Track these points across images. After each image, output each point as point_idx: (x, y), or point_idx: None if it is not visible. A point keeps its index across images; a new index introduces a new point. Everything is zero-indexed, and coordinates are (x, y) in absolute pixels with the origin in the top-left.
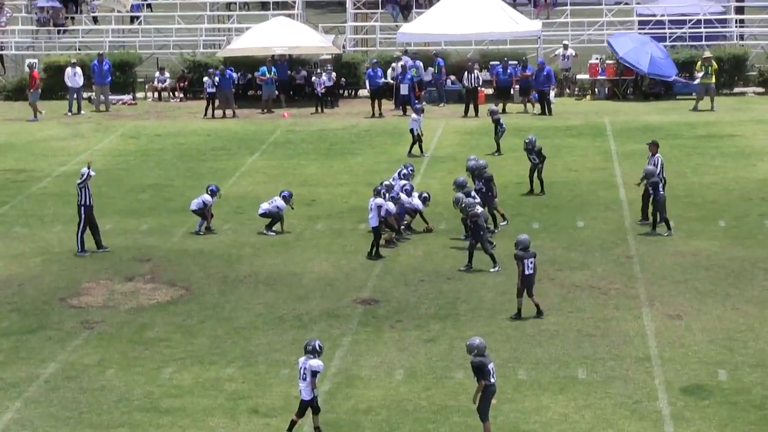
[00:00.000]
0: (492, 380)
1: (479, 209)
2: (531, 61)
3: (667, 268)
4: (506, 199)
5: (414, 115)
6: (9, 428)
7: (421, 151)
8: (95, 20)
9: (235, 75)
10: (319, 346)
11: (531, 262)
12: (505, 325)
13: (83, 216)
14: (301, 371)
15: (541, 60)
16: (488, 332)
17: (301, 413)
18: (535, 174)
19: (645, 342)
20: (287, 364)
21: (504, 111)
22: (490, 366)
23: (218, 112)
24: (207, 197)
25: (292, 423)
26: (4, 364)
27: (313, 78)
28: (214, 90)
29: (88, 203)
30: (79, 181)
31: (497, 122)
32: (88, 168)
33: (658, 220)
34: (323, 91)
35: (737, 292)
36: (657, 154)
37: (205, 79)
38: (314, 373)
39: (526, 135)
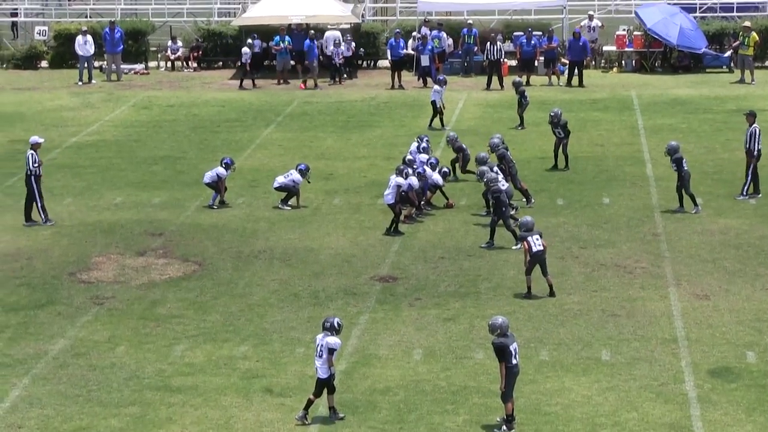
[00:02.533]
0: (514, 361)
1: (503, 185)
2: (556, 32)
3: (695, 247)
4: (530, 174)
5: (436, 87)
6: (16, 405)
7: (442, 124)
8: None
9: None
10: (338, 323)
11: (537, 239)
12: (527, 304)
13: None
14: (318, 348)
15: (578, 29)
16: (510, 311)
17: (318, 392)
18: (560, 149)
19: (671, 323)
20: (302, 342)
21: (528, 83)
22: (513, 347)
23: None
24: (221, 170)
25: (309, 402)
26: (12, 339)
27: (331, 48)
28: (249, 60)
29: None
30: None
31: (521, 95)
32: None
33: (685, 197)
34: (341, 61)
35: (767, 272)
36: (754, 125)
37: (245, 49)
38: (331, 351)
39: (550, 108)
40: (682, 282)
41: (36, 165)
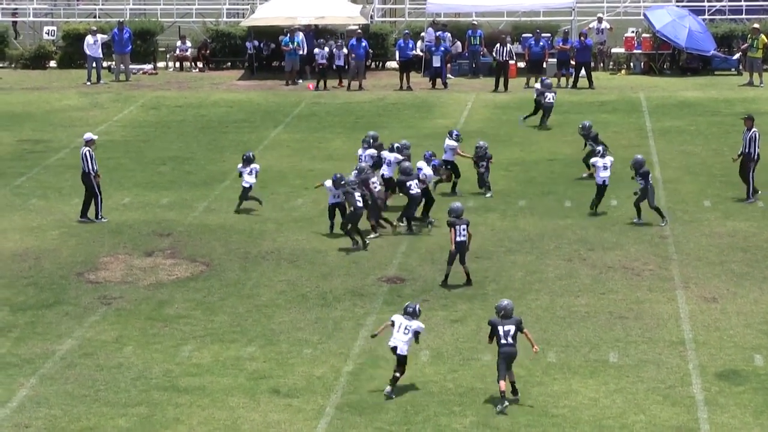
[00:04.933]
0: (502, 341)
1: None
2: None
3: (703, 249)
4: (538, 176)
5: (538, 86)
6: (24, 405)
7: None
8: None
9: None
10: (420, 309)
11: (463, 229)
12: (534, 306)
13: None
14: (404, 328)
15: (584, 31)
16: (517, 313)
17: (401, 368)
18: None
19: (679, 325)
20: (310, 343)
21: None
22: (505, 328)
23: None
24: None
25: (395, 378)
26: (20, 339)
27: (334, 50)
28: (324, 61)
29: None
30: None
31: (541, 95)
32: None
33: (650, 209)
34: (324, 62)
35: None
36: (753, 128)
37: (316, 50)
38: (417, 333)
39: (559, 109)
40: (690, 284)
41: (94, 163)
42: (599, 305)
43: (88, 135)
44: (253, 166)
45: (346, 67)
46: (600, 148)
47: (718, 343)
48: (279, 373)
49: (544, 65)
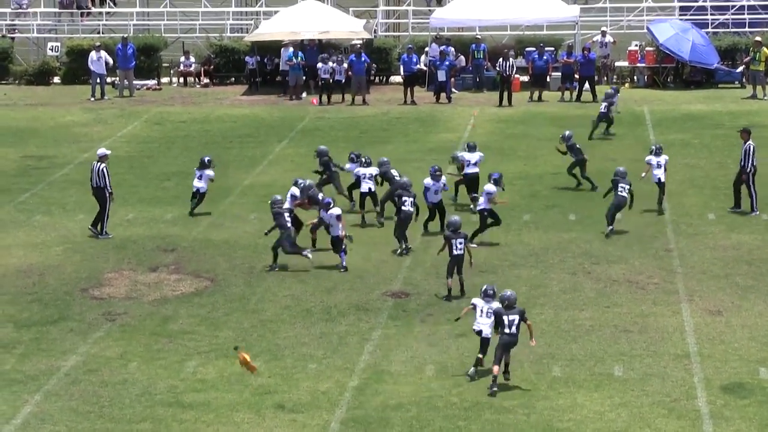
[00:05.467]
0: (506, 330)
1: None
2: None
3: (707, 263)
4: (542, 190)
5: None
6: (28, 422)
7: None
8: (114, 3)
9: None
10: (495, 290)
11: (460, 243)
12: (539, 320)
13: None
14: (486, 311)
15: (588, 45)
16: (522, 327)
17: (485, 351)
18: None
19: (684, 338)
20: (314, 358)
21: (540, 99)
22: (509, 318)
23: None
24: (294, 190)
25: (479, 360)
26: (24, 356)
27: (335, 66)
28: (327, 76)
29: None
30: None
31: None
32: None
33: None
34: (327, 77)
35: None
36: (749, 141)
37: (319, 65)
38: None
39: (563, 123)
40: (695, 297)
41: (109, 178)
42: (604, 319)
43: (102, 150)
44: (206, 171)
45: (343, 81)
46: (655, 146)
47: (723, 356)
48: (284, 389)
49: (548, 79)
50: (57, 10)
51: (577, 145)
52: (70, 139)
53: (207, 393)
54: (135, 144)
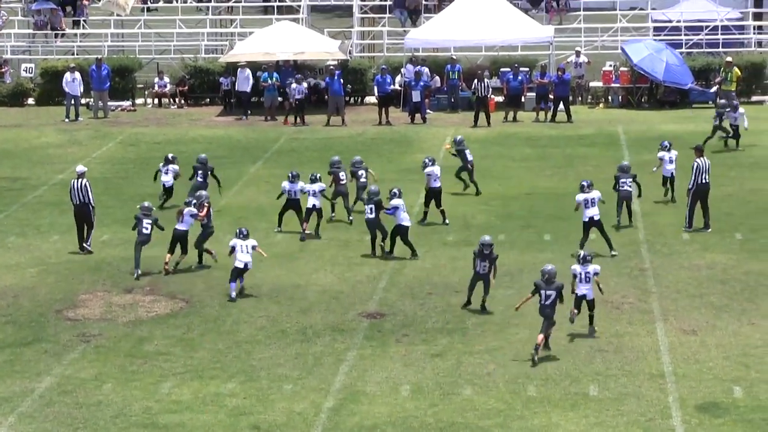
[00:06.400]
0: (544, 302)
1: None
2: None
3: (682, 282)
4: (516, 210)
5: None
6: None
7: (737, 144)
8: (85, 23)
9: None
10: (591, 255)
11: (485, 265)
12: (514, 340)
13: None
14: (585, 275)
15: (562, 65)
16: (497, 347)
17: (593, 310)
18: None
19: (659, 358)
20: (290, 379)
21: (515, 119)
22: (546, 292)
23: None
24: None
25: (591, 318)
26: None
27: (293, 85)
28: (302, 96)
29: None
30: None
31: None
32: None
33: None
34: (301, 98)
35: (753, 307)
36: (697, 158)
37: (293, 85)
38: (596, 274)
39: (538, 143)
40: (669, 317)
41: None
42: (579, 338)
43: (81, 167)
44: (171, 166)
45: (295, 103)
46: (666, 142)
47: (697, 376)
48: (259, 410)
49: (523, 99)
50: (31, 31)
51: (467, 151)
52: (44, 161)
53: (182, 414)
54: (110, 165)
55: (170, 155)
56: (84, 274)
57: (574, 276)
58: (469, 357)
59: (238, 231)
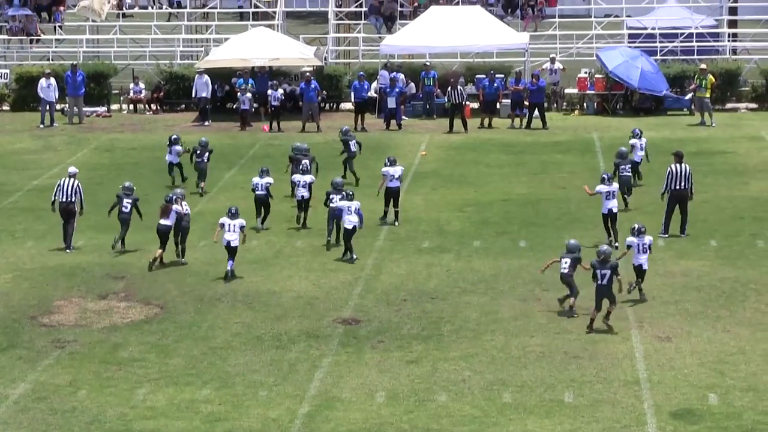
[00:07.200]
0: (599, 282)
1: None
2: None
3: (657, 289)
4: (492, 217)
5: None
6: None
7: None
8: (60, 29)
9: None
10: (644, 228)
11: (566, 262)
12: (489, 347)
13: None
14: (640, 246)
15: (537, 72)
16: (472, 353)
17: (641, 278)
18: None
19: (633, 365)
20: (265, 385)
21: (490, 126)
22: (601, 272)
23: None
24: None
25: (640, 288)
26: None
27: (269, 91)
28: (278, 104)
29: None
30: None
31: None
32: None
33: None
34: (277, 104)
35: (728, 314)
36: (672, 164)
37: (270, 91)
38: (650, 246)
39: (513, 150)
40: (645, 324)
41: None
42: (554, 345)
43: (73, 168)
44: (175, 147)
45: (253, 110)
46: (638, 130)
47: (672, 383)
48: (234, 416)
49: (498, 106)
50: (6, 37)
51: (351, 141)
52: (19, 167)
53: (157, 420)
54: (84, 171)
55: (173, 136)
56: (59, 280)
57: (629, 247)
58: (444, 363)
59: (228, 210)
